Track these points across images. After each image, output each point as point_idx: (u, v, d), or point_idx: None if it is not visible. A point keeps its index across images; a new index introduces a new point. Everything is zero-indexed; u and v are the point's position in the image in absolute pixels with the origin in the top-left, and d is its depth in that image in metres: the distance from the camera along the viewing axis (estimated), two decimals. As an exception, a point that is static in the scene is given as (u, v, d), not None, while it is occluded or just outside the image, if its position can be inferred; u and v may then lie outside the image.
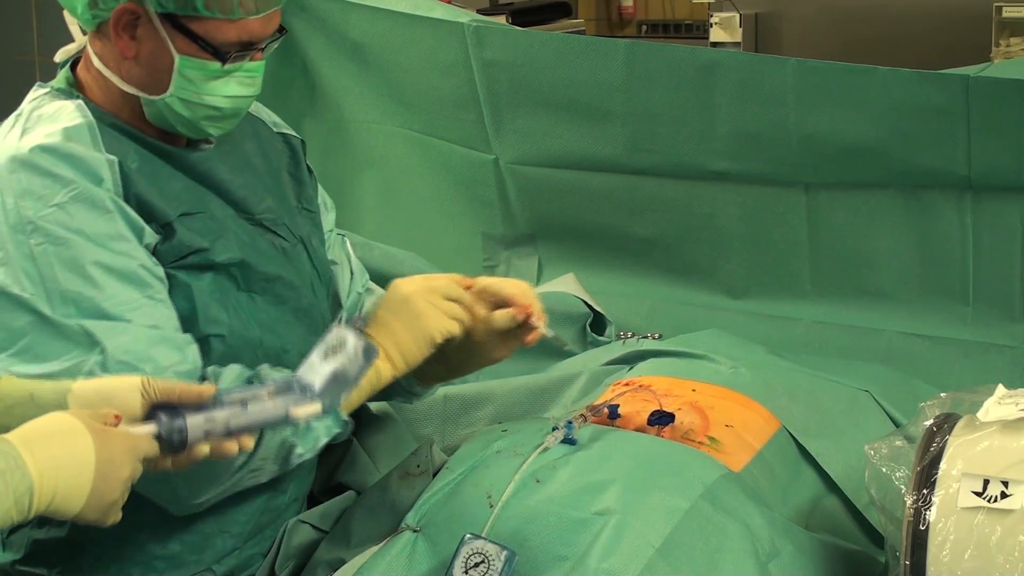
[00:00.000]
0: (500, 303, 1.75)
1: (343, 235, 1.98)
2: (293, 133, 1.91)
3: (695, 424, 1.77)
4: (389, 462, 1.84)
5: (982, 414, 1.48)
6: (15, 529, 1.66)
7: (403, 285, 1.74)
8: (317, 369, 1.50)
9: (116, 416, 1.34)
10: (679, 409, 1.79)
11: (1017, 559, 1.35)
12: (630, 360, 2.10)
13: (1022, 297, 2.17)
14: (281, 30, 1.69)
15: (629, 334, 2.36)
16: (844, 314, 2.33)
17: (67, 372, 1.51)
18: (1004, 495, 1.38)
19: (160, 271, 1.61)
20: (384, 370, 1.70)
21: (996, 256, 2.18)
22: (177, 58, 1.61)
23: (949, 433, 1.47)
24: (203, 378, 1.59)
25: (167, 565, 1.67)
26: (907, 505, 1.42)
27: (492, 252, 2.68)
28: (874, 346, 2.29)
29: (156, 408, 1.39)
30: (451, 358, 1.79)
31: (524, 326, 1.74)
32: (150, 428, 1.36)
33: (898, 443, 1.53)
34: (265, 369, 1.64)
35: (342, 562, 1.59)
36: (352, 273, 1.94)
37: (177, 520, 1.64)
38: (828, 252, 2.33)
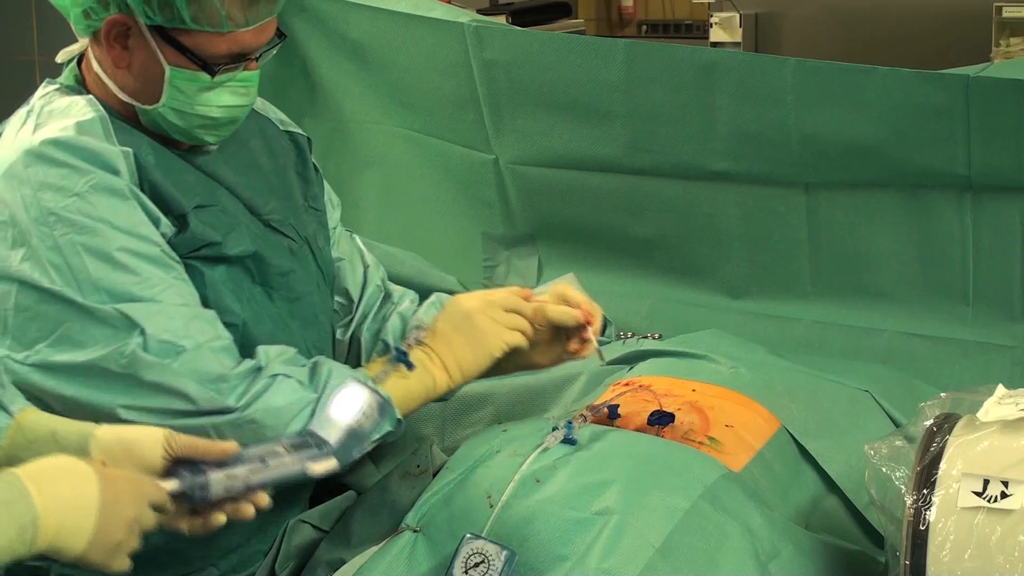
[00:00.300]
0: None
1: (351, 232, 1.99)
2: (300, 131, 1.91)
3: (695, 424, 1.77)
4: (389, 462, 1.85)
5: (982, 414, 1.48)
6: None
7: (464, 301, 1.79)
8: (332, 423, 1.51)
9: None
10: (679, 409, 1.79)
11: (1017, 559, 1.35)
12: (630, 360, 2.10)
13: (1022, 297, 2.17)
14: (281, 35, 1.68)
15: (629, 334, 2.36)
16: (844, 314, 2.33)
17: (109, 357, 1.52)
18: (1004, 495, 1.38)
19: (177, 257, 1.62)
20: (440, 380, 1.74)
21: (996, 256, 2.17)
22: (168, 70, 1.61)
23: (949, 433, 1.47)
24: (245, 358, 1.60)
25: (171, 560, 1.67)
26: (907, 505, 1.42)
27: (492, 252, 2.68)
28: (874, 346, 2.29)
29: (177, 463, 1.38)
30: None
31: (578, 334, 1.78)
32: (172, 484, 1.36)
33: (898, 443, 1.53)
34: (323, 360, 1.65)
35: (342, 562, 1.59)
36: (366, 266, 1.95)
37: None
38: (828, 252, 2.32)
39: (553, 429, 1.64)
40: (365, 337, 1.93)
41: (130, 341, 1.53)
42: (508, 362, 1.80)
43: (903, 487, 1.46)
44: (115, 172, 1.58)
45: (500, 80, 2.46)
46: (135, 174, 1.60)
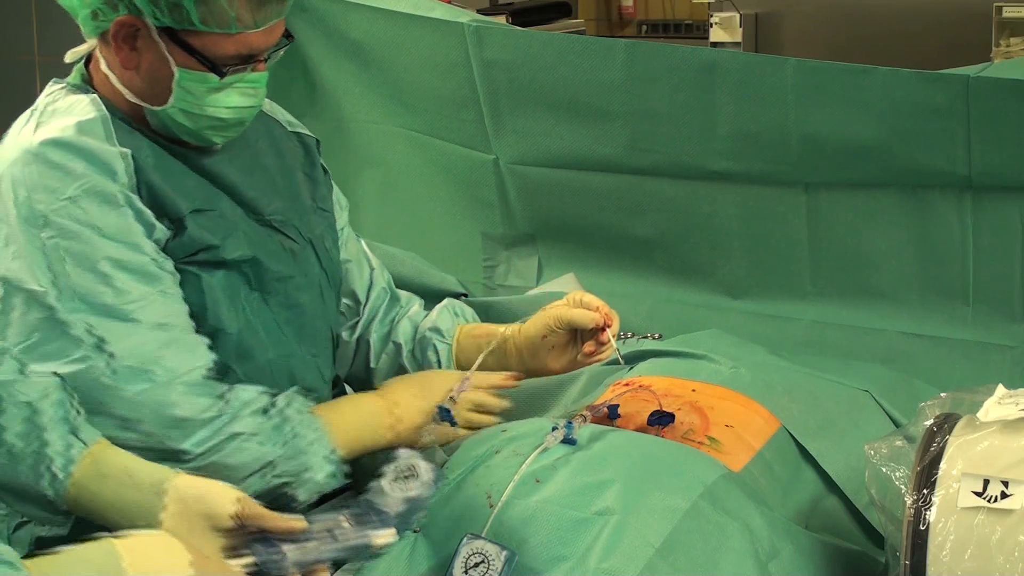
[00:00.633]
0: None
1: (357, 235, 1.99)
2: (308, 132, 1.91)
3: (695, 424, 1.77)
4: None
5: (982, 414, 1.48)
6: (20, 525, 1.67)
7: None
8: (389, 495, 1.53)
9: None
10: (679, 409, 1.79)
11: (1017, 559, 1.35)
12: (630, 360, 2.10)
13: (1022, 297, 2.17)
14: (289, 36, 1.68)
15: (629, 334, 2.36)
16: (844, 314, 2.33)
17: (76, 375, 1.52)
18: (1004, 495, 1.38)
19: (170, 266, 1.62)
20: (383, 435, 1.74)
21: (996, 256, 2.17)
22: (176, 71, 1.61)
23: (949, 433, 1.47)
24: (221, 395, 1.60)
25: None
26: (907, 505, 1.42)
27: (492, 252, 2.68)
28: (874, 346, 2.29)
29: (243, 528, 1.40)
30: (509, 359, 1.81)
31: (594, 336, 1.81)
32: (247, 560, 1.38)
33: (898, 443, 1.53)
34: (288, 399, 1.65)
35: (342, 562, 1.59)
36: (372, 268, 1.96)
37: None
38: (828, 252, 2.32)
39: (553, 429, 1.64)
40: (373, 339, 1.94)
41: (98, 363, 1.53)
42: (523, 361, 1.82)
43: (903, 487, 1.46)
44: (112, 173, 1.58)
45: (500, 80, 2.46)
46: (133, 176, 1.60)
